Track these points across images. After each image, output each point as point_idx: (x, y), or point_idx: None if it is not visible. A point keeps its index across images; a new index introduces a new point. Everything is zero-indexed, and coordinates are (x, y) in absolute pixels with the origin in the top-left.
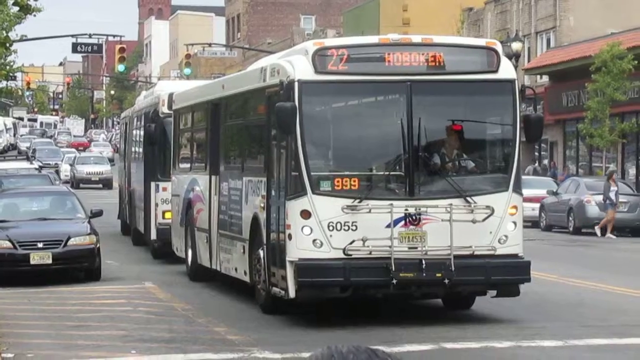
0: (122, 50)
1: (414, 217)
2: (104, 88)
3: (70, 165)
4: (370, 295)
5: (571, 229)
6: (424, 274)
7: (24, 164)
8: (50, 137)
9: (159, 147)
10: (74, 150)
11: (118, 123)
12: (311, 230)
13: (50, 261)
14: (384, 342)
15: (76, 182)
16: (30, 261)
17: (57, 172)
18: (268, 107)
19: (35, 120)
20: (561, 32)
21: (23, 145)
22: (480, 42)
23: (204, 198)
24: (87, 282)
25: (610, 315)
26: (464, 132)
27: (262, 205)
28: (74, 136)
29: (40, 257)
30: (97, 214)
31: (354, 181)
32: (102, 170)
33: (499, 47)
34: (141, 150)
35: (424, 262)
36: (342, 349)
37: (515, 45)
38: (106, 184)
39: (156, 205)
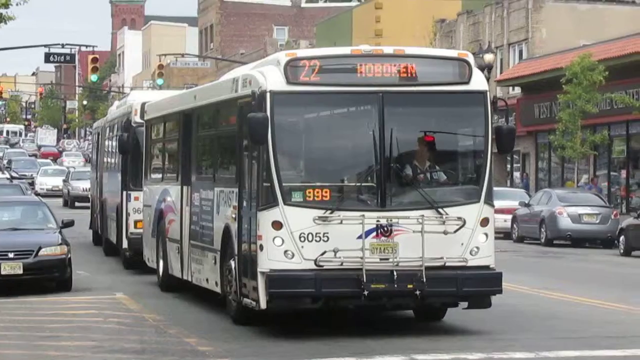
0: (94, 60)
1: (385, 228)
2: (77, 98)
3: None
4: (342, 307)
5: (543, 240)
6: (396, 285)
7: None
8: (14, 144)
9: (131, 156)
10: (49, 161)
11: (90, 133)
12: (282, 241)
13: (21, 271)
14: (355, 353)
15: (71, 200)
16: (0, 271)
17: (32, 184)
18: (240, 118)
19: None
20: (533, 43)
21: None
22: (452, 53)
23: (176, 209)
24: (58, 292)
25: (581, 327)
26: (436, 143)
27: (234, 216)
28: (44, 146)
29: (11, 268)
30: (69, 224)
31: (326, 192)
32: None
33: (470, 59)
34: (113, 160)
35: (395, 273)
36: None
37: (488, 57)
38: None
39: (128, 214)
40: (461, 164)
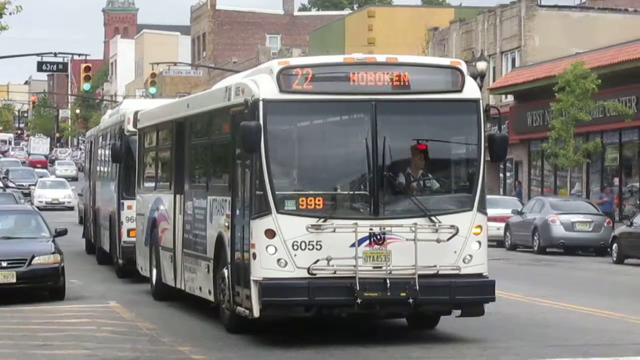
0: (87, 69)
1: (378, 237)
2: (70, 107)
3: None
4: (335, 315)
5: (536, 248)
6: (389, 294)
7: None
8: (5, 152)
9: (124, 165)
10: (46, 172)
11: (83, 142)
12: (275, 249)
13: (14, 280)
14: None
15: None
16: None
17: (29, 195)
18: (233, 126)
19: None
20: (526, 52)
21: None
22: (445, 61)
23: (169, 217)
24: (51, 301)
25: (574, 334)
26: (429, 151)
27: (227, 224)
28: (33, 154)
29: (4, 276)
30: (62, 232)
31: (319, 200)
32: None
33: (463, 67)
34: (106, 168)
35: (388, 281)
36: None
37: (480, 65)
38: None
39: (121, 223)
40: (454, 172)
